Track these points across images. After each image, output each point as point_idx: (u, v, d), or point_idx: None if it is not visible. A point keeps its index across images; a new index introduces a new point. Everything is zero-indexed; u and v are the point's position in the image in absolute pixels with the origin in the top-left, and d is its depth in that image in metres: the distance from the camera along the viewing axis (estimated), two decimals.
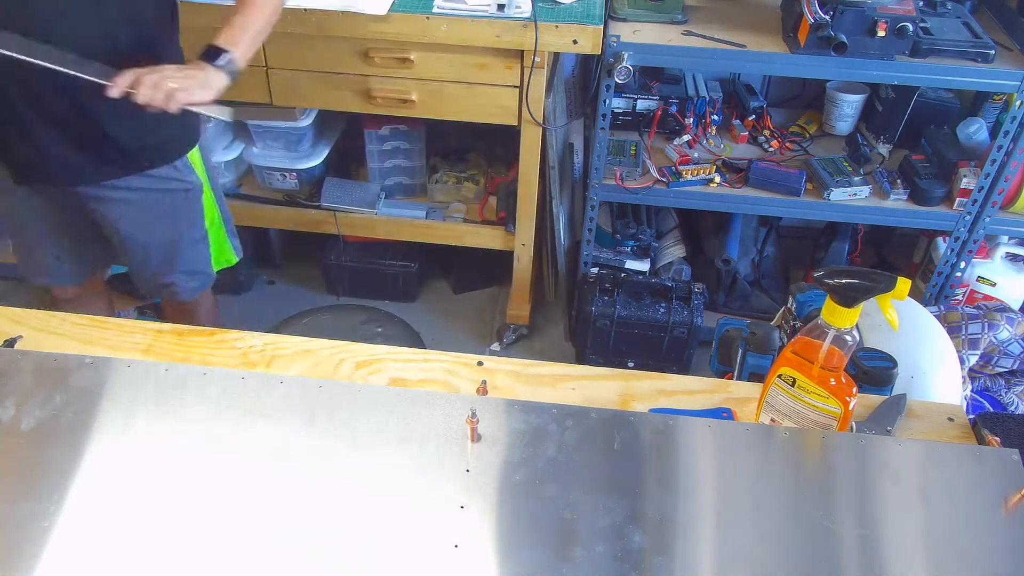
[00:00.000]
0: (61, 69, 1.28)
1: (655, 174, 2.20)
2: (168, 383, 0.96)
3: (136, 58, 1.36)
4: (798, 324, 1.40)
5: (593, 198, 2.23)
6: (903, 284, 0.84)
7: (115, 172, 1.52)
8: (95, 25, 1.35)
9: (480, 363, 1.08)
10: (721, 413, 1.02)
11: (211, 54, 1.36)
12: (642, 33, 2.02)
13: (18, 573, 0.76)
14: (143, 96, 1.29)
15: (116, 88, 1.29)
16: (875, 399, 1.05)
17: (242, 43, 1.39)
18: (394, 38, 1.98)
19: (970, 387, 1.80)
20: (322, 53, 2.06)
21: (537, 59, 1.96)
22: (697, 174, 2.19)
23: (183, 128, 1.58)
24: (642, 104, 2.34)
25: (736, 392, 1.05)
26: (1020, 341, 1.83)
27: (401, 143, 2.43)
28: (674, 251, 2.51)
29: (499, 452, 0.89)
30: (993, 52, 1.93)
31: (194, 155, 1.63)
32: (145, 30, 1.43)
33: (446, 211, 2.45)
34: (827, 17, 1.87)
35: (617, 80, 1.98)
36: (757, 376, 1.39)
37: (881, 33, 1.88)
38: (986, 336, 1.82)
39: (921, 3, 2.04)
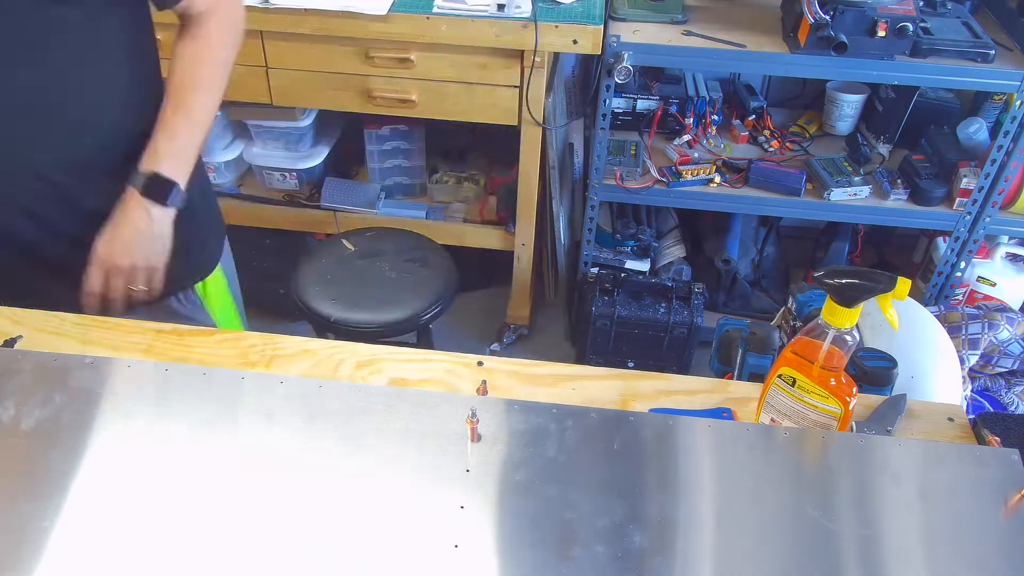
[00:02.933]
0: None
1: (655, 174, 2.21)
2: (168, 383, 0.96)
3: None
4: (798, 324, 1.40)
5: (593, 198, 2.23)
6: (903, 284, 0.84)
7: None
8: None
9: (480, 363, 1.08)
10: (721, 413, 1.02)
11: (156, 191, 1.08)
12: (642, 33, 2.02)
13: (18, 573, 0.76)
14: (119, 303, 1.14)
15: (89, 299, 1.13)
16: (875, 399, 1.05)
17: (183, 160, 1.12)
18: (394, 38, 1.98)
19: (970, 387, 1.80)
20: (322, 53, 2.06)
21: (537, 59, 1.96)
22: (697, 174, 2.19)
23: (190, 259, 1.28)
24: (642, 104, 2.34)
25: (736, 392, 1.05)
26: (1020, 341, 1.83)
27: (401, 143, 2.43)
28: (674, 251, 2.51)
29: (499, 452, 0.89)
30: (993, 52, 1.93)
31: (209, 285, 1.34)
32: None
33: (446, 211, 2.45)
34: (827, 17, 1.87)
35: (617, 80, 1.98)
36: (757, 376, 1.39)
37: (881, 33, 1.88)
38: (986, 336, 1.82)
39: (921, 3, 2.04)
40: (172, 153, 1.10)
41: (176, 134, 1.10)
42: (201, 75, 1.13)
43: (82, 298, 1.14)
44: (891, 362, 1.17)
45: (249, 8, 1.93)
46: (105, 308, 1.15)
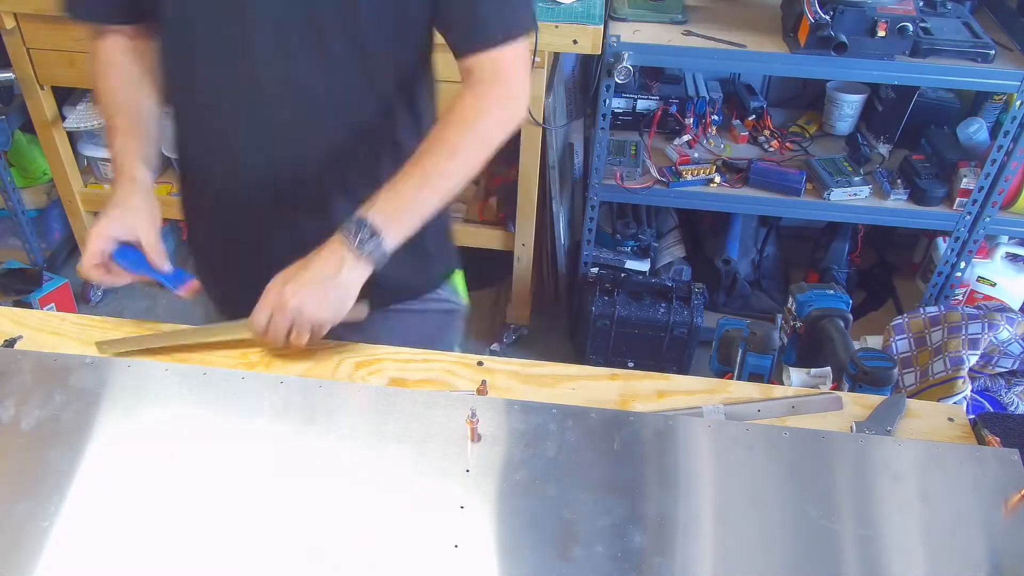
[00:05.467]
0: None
1: (655, 174, 2.20)
2: (168, 383, 0.96)
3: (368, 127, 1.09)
4: (798, 324, 1.40)
5: (593, 198, 2.23)
6: None
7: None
8: (319, 69, 1.04)
9: (480, 363, 1.08)
10: None
11: (356, 232, 0.99)
12: (642, 33, 2.01)
13: (18, 573, 0.76)
14: (278, 344, 1.03)
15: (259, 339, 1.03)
16: (875, 399, 1.05)
17: (401, 220, 1.00)
18: None
19: (970, 387, 1.79)
20: None
21: (537, 59, 1.96)
22: (697, 174, 2.19)
23: (447, 260, 1.32)
24: (642, 104, 2.34)
25: (736, 392, 1.05)
26: (1020, 341, 1.83)
27: None
28: (674, 251, 2.51)
29: (499, 452, 0.89)
30: (993, 52, 1.93)
31: (458, 276, 1.35)
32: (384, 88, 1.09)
33: None
34: (827, 17, 1.87)
35: (617, 80, 1.98)
36: (757, 376, 1.39)
37: (881, 33, 1.88)
38: (986, 336, 1.81)
39: (921, 3, 2.04)
40: (390, 207, 1.00)
41: (402, 191, 1.01)
42: (453, 139, 1.03)
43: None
44: (891, 362, 1.17)
45: None
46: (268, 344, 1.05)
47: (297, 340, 1.01)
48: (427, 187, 1.01)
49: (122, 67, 1.14)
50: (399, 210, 1.00)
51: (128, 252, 1.05)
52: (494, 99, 1.04)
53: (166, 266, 1.07)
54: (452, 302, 1.33)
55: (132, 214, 1.05)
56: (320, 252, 1.01)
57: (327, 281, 0.99)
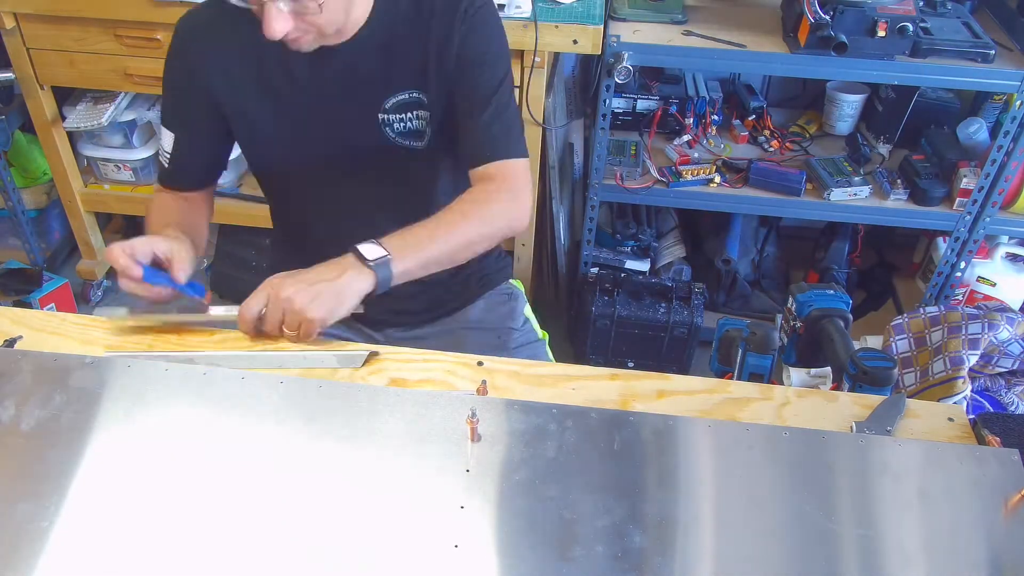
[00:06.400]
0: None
1: (655, 174, 2.20)
2: (168, 383, 0.96)
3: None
4: (798, 324, 1.40)
5: (593, 198, 2.23)
6: None
7: (431, 317, 1.47)
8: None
9: (480, 363, 1.08)
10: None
11: (366, 253, 1.08)
12: (642, 33, 2.01)
13: (18, 573, 0.76)
14: (273, 333, 1.09)
15: (244, 326, 1.09)
16: (875, 399, 1.05)
17: (409, 254, 1.11)
18: None
19: (970, 387, 1.79)
20: None
21: (537, 59, 1.96)
22: (697, 174, 2.19)
23: (502, 261, 1.55)
24: (642, 104, 2.34)
25: (736, 392, 1.05)
26: (1020, 341, 1.83)
27: None
28: (674, 251, 2.51)
29: (499, 452, 0.89)
30: (993, 52, 1.93)
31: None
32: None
33: None
34: (827, 17, 1.87)
35: (617, 80, 1.98)
36: (757, 376, 1.39)
37: (881, 33, 1.88)
38: (986, 336, 1.81)
39: (921, 3, 2.04)
40: (401, 241, 1.12)
41: (415, 232, 1.14)
42: (464, 209, 1.19)
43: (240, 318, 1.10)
44: (891, 362, 1.17)
45: None
46: (259, 333, 1.10)
47: (288, 334, 1.07)
48: (437, 236, 1.14)
49: (178, 210, 1.32)
50: (408, 245, 1.12)
51: (153, 271, 1.13)
52: (501, 192, 1.21)
53: (182, 276, 1.14)
54: (510, 292, 1.53)
55: (148, 239, 1.15)
56: (327, 262, 1.09)
57: (324, 282, 1.06)
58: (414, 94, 1.24)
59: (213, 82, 1.24)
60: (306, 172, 1.32)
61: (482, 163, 1.22)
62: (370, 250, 1.08)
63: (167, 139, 1.29)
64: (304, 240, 1.41)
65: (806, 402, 1.04)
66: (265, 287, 1.07)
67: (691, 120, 2.33)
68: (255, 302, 1.07)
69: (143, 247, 1.12)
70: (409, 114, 1.25)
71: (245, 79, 1.24)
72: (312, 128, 1.26)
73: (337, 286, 1.05)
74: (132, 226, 2.66)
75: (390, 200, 1.32)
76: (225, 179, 2.47)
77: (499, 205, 1.21)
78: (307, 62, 1.20)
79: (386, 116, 1.24)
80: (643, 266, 2.44)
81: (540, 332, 1.54)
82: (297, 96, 1.24)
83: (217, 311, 1.12)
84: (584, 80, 2.47)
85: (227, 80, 1.24)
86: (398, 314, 1.43)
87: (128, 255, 1.09)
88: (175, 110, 1.29)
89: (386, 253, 1.08)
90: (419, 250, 1.12)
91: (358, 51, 1.20)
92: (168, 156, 1.30)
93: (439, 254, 1.15)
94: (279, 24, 1.06)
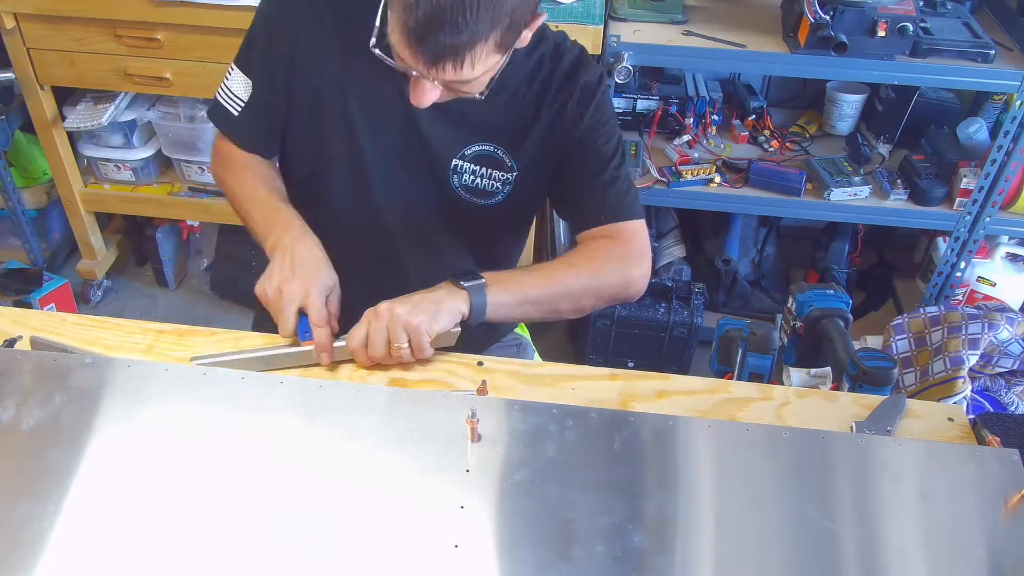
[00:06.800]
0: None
1: (655, 174, 2.20)
2: (168, 383, 0.96)
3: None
4: (798, 324, 1.40)
5: None
6: None
7: None
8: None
9: (480, 363, 1.08)
10: None
11: (464, 275, 1.09)
12: (642, 33, 2.01)
13: (18, 573, 0.76)
14: (370, 361, 1.05)
15: (356, 356, 1.06)
16: (875, 399, 1.05)
17: (507, 289, 1.09)
18: None
19: (970, 387, 1.79)
20: None
21: None
22: (697, 174, 2.19)
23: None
24: (642, 104, 2.34)
25: (736, 392, 1.05)
26: (1020, 341, 1.83)
27: None
28: (674, 251, 2.51)
29: (499, 452, 0.89)
30: (993, 52, 1.93)
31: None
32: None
33: None
34: (827, 17, 1.87)
35: (617, 80, 1.98)
36: (757, 376, 1.39)
37: (881, 33, 1.88)
38: (986, 336, 1.81)
39: (921, 3, 2.04)
40: (502, 276, 1.12)
41: (517, 272, 1.16)
42: (574, 260, 1.17)
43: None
44: (891, 362, 1.17)
45: None
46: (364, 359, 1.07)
47: (397, 352, 1.03)
48: (538, 279, 1.13)
49: (257, 171, 1.24)
50: (506, 279, 1.11)
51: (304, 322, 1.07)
52: (615, 249, 1.17)
53: (336, 324, 1.09)
54: (520, 337, 1.49)
55: (327, 278, 1.11)
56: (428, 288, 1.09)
57: (418, 295, 1.06)
58: (498, 151, 1.18)
59: (298, 52, 1.14)
60: (350, 179, 1.21)
61: (596, 225, 1.18)
62: (466, 276, 1.08)
63: (240, 84, 1.18)
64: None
65: (806, 402, 1.04)
66: (367, 314, 1.05)
67: (691, 120, 2.33)
68: (359, 329, 1.04)
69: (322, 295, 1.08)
70: (483, 169, 1.19)
71: (328, 58, 1.14)
72: (386, 148, 1.18)
73: (432, 298, 1.05)
74: (133, 226, 2.66)
75: (431, 238, 1.26)
76: None
77: (614, 264, 1.16)
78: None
79: (462, 163, 1.18)
80: None
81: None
82: (386, 107, 1.15)
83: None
84: None
85: (311, 52, 1.14)
86: None
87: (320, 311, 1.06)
88: (262, 59, 1.17)
89: (482, 280, 1.08)
90: (517, 285, 1.11)
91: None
92: (242, 104, 1.18)
93: (538, 295, 1.12)
94: (429, 96, 1.01)
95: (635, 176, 2.21)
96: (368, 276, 1.20)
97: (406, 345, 1.03)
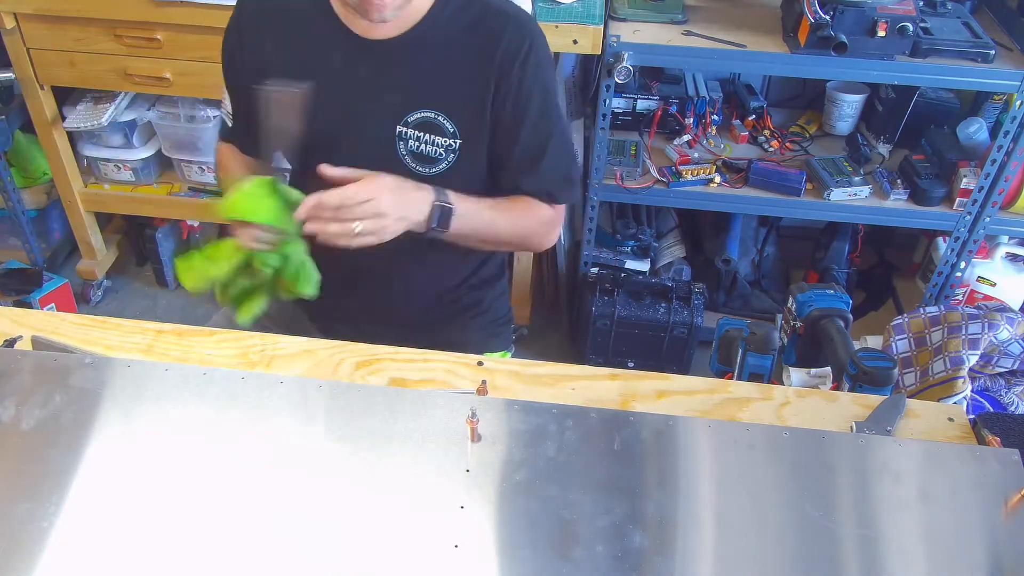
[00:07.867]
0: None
1: (655, 174, 2.20)
2: (168, 383, 0.96)
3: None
4: (798, 324, 1.40)
5: (593, 198, 2.23)
6: None
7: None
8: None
9: (480, 363, 1.08)
10: None
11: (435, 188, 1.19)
12: (642, 33, 2.01)
13: (18, 573, 0.76)
14: (319, 232, 1.11)
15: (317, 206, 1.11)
16: (875, 399, 1.05)
17: (469, 208, 1.21)
18: None
19: (970, 387, 1.79)
20: None
21: None
22: (697, 174, 2.19)
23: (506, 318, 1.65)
24: (642, 104, 2.34)
25: (736, 392, 1.05)
26: (1020, 341, 1.82)
27: None
28: (674, 251, 2.51)
29: (499, 452, 0.89)
30: (993, 52, 1.93)
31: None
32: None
33: None
34: (827, 17, 1.87)
35: (617, 80, 1.98)
36: (757, 376, 1.39)
37: (881, 33, 1.88)
38: (986, 336, 1.81)
39: (921, 3, 2.04)
40: (463, 198, 1.21)
41: (472, 199, 1.23)
42: (514, 202, 1.29)
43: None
44: (891, 362, 1.17)
45: None
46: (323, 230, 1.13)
47: (356, 227, 1.10)
48: (485, 210, 1.24)
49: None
50: (475, 207, 1.22)
51: None
52: (547, 217, 1.32)
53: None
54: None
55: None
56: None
57: (403, 187, 1.16)
58: (439, 117, 1.22)
59: (263, 56, 1.25)
60: (317, 162, 1.24)
61: (518, 195, 1.29)
62: (440, 192, 1.18)
63: (227, 97, 1.33)
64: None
65: (806, 402, 1.04)
66: (366, 184, 1.12)
67: (691, 120, 2.33)
68: (336, 194, 1.09)
69: None
70: (426, 136, 1.23)
71: (289, 61, 1.24)
72: (333, 121, 1.24)
73: (414, 192, 1.16)
74: (133, 226, 2.66)
75: None
76: None
77: (535, 218, 1.30)
78: (343, 54, 1.21)
79: (405, 130, 1.23)
80: (643, 266, 2.44)
81: None
82: (330, 84, 1.21)
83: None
84: (584, 80, 2.47)
85: (258, 56, 1.25)
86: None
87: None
88: (225, 71, 1.32)
89: (449, 196, 1.19)
90: (471, 208, 1.21)
91: (407, 49, 1.20)
92: (232, 114, 1.33)
93: (479, 223, 1.23)
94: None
95: (635, 176, 2.22)
96: (334, 253, 1.20)
97: (361, 226, 1.10)
